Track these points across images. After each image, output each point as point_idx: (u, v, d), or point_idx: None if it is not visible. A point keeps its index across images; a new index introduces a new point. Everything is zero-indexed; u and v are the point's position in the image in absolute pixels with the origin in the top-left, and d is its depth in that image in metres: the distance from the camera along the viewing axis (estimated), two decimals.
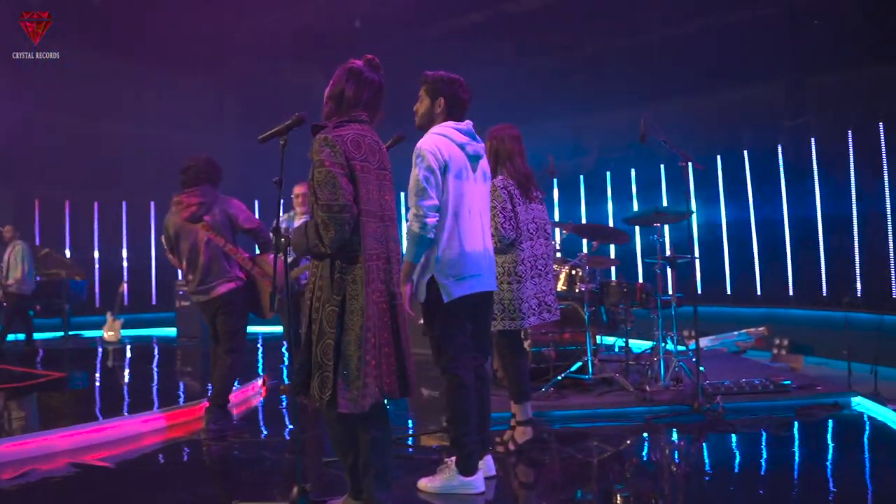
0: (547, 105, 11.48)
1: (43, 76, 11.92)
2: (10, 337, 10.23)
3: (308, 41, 12.84)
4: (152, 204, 14.06)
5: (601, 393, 5.57)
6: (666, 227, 8.84)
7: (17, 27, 8.95)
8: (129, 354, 9.72)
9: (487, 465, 3.75)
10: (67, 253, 13.34)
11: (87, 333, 11.68)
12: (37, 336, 11.27)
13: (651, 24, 10.69)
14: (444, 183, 3.44)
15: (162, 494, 3.78)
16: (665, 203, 10.18)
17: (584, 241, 8.74)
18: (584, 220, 12.97)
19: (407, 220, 3.43)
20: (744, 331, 8.50)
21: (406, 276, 3.40)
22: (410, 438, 4.77)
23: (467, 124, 3.62)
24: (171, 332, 11.84)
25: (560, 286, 6.04)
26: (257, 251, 5.11)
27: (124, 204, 14.07)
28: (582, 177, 13.47)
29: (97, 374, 8.10)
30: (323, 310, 2.90)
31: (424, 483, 3.60)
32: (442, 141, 3.48)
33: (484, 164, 3.71)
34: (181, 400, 6.14)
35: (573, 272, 6.02)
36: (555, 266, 6.13)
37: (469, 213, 3.52)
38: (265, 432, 5.05)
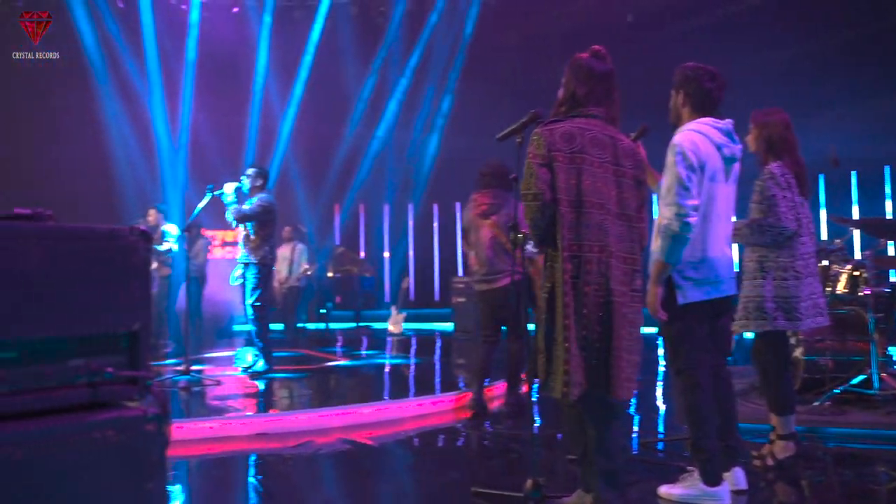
0: (836, 90, 10.36)
1: (339, 88, 13.38)
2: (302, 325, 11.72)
3: (579, 38, 12.88)
4: (435, 207, 15.05)
5: (890, 412, 4.86)
6: None
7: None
8: (408, 345, 10.48)
9: (736, 477, 3.47)
10: (362, 252, 14.80)
11: (376, 325, 12.80)
12: (333, 326, 12.64)
13: None
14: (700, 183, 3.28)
15: (410, 475, 4.04)
16: None
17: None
18: (889, 216, 11.51)
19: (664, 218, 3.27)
20: None
21: (657, 276, 3.28)
22: (660, 443, 4.57)
23: (727, 123, 3.40)
24: (450, 326, 12.54)
25: (841, 288, 5.39)
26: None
27: (410, 207, 15.22)
28: (888, 168, 11.97)
29: (376, 362, 8.83)
30: (539, 296, 2.99)
31: (665, 490, 3.43)
32: (701, 139, 3.31)
33: (737, 165, 3.47)
34: (448, 388, 6.47)
35: (856, 273, 5.33)
36: (833, 266, 5.49)
37: (717, 217, 3.36)
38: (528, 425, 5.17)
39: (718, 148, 3.32)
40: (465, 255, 5.85)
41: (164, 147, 13.23)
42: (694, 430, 3.30)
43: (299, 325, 11.86)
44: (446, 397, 5.69)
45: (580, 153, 2.89)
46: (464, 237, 5.71)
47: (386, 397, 6.01)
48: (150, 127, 13.13)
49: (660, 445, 4.53)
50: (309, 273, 11.42)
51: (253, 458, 4.49)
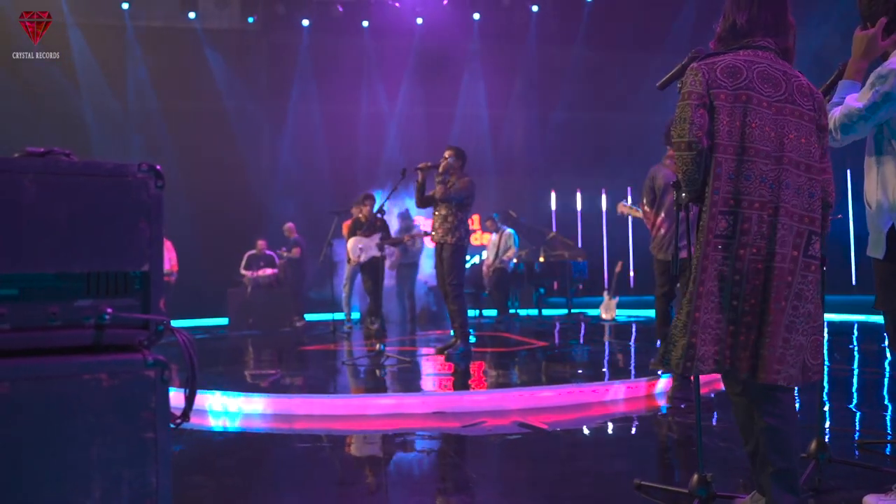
0: None
1: (560, 76, 13.13)
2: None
3: None
4: None
5: None
6: None
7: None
8: (616, 331, 9.98)
9: None
10: (579, 239, 14.45)
11: (591, 312, 12.38)
12: (546, 312, 12.43)
13: None
14: None
15: (573, 463, 3.73)
16: None
17: None
18: None
19: None
20: None
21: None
22: (888, 446, 3.83)
23: None
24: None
25: None
26: None
27: (629, 189, 14.59)
28: None
29: (576, 347, 8.48)
30: None
31: (872, 500, 2.83)
32: None
33: None
34: (639, 375, 6.02)
35: None
36: None
37: None
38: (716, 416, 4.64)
39: None
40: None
41: (392, 136, 13.97)
42: None
43: (512, 310, 11.82)
44: (635, 383, 5.27)
45: (747, 90, 2.42)
46: (649, 200, 5.59)
47: (571, 381, 5.68)
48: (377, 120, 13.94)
49: (888, 449, 3.80)
50: (515, 259, 11.34)
51: (420, 434, 4.43)
